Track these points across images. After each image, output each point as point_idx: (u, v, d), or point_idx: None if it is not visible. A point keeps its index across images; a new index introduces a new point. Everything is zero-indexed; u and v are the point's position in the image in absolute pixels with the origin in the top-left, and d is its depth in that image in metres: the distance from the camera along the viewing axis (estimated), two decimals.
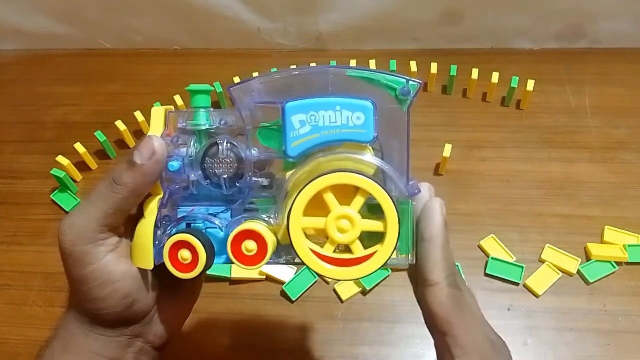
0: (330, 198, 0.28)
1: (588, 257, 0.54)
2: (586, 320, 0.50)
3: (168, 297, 0.34)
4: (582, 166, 0.62)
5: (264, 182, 0.30)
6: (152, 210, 0.31)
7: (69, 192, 0.63)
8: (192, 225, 0.31)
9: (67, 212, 0.61)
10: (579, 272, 0.53)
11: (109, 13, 0.77)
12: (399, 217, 0.27)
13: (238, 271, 0.54)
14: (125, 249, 0.32)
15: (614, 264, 0.53)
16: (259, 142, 0.30)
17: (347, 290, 0.53)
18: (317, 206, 0.28)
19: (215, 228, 0.31)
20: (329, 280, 0.54)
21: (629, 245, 0.54)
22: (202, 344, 0.51)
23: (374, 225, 0.28)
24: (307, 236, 0.29)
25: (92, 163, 0.66)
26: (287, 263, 0.31)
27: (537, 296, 0.52)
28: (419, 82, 0.28)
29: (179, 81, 0.74)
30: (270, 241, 0.29)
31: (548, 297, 0.52)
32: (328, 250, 0.28)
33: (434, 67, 0.70)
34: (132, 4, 0.76)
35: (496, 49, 0.77)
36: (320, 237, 0.29)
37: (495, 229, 0.56)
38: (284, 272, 0.54)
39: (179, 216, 0.31)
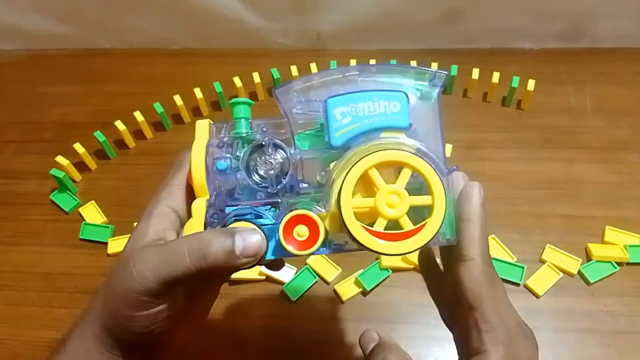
0: (376, 176, 0.29)
1: (589, 257, 0.54)
2: (587, 321, 0.50)
3: (180, 321, 0.34)
4: (582, 166, 0.62)
5: (305, 184, 0.32)
6: (199, 210, 0.31)
7: (68, 192, 0.62)
8: (241, 219, 0.31)
9: (66, 212, 0.61)
10: (579, 272, 0.53)
11: (109, 13, 0.77)
12: (444, 188, 0.29)
13: (238, 271, 0.54)
14: (178, 296, 0.31)
15: (615, 264, 0.53)
16: (298, 147, 0.32)
17: (347, 291, 0.53)
18: (363, 190, 0.30)
19: (265, 222, 0.31)
20: (328, 278, 0.54)
21: (629, 246, 0.54)
22: (202, 344, 0.50)
23: (422, 199, 0.29)
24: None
25: (92, 163, 0.66)
26: (337, 251, 0.31)
27: (537, 296, 0.52)
28: (445, 73, 0.31)
29: (178, 81, 0.74)
30: (321, 225, 0.30)
31: (548, 297, 0.52)
32: (379, 227, 0.29)
33: (434, 67, 0.69)
34: (132, 3, 0.76)
35: (497, 49, 0.77)
36: (367, 220, 0.30)
37: (496, 229, 0.56)
38: (284, 273, 0.54)
39: (227, 212, 0.32)
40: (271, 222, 0.31)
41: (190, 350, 0.36)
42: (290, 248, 0.30)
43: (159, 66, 0.79)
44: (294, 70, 0.70)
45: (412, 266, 0.54)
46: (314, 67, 0.71)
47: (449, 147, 0.59)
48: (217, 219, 0.31)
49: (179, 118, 0.70)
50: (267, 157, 0.32)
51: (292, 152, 0.31)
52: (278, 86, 0.31)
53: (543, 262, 0.54)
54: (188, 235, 0.30)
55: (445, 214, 0.29)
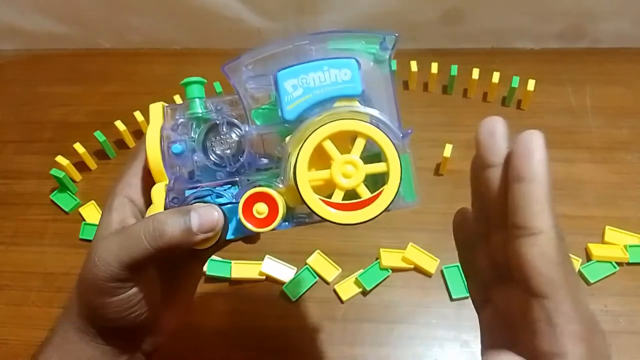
0: (331, 147, 0.29)
1: (589, 257, 0.54)
2: None
3: (165, 306, 0.34)
4: (582, 166, 0.62)
5: (264, 160, 0.31)
6: (159, 195, 0.31)
7: (68, 192, 0.62)
8: (201, 200, 0.31)
9: (66, 212, 0.61)
10: (579, 272, 0.53)
11: (108, 13, 0.77)
12: (399, 154, 0.29)
13: (238, 271, 0.54)
14: (148, 279, 0.32)
15: (615, 264, 0.53)
16: (254, 122, 0.31)
17: (347, 291, 0.53)
18: (319, 162, 0.29)
19: (225, 202, 0.31)
20: (328, 279, 0.53)
21: (629, 246, 0.54)
22: (202, 343, 0.50)
23: (377, 167, 0.29)
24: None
25: (92, 163, 0.66)
26: (297, 224, 0.31)
27: None
28: (395, 35, 0.31)
29: (178, 81, 0.73)
30: (280, 201, 0.30)
31: None
32: (337, 198, 0.29)
33: (434, 67, 0.69)
34: (132, 3, 0.76)
35: (497, 49, 0.77)
36: (324, 192, 0.30)
37: None
38: (284, 272, 0.54)
39: (187, 194, 0.32)
40: (231, 201, 0.31)
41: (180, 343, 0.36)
42: (250, 226, 0.30)
43: (159, 66, 0.79)
44: None
45: (412, 266, 0.54)
46: None
47: (449, 147, 0.59)
48: (176, 203, 0.31)
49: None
50: (222, 136, 0.31)
51: (247, 129, 0.31)
52: (227, 62, 0.31)
53: None
54: (145, 218, 0.30)
55: (400, 179, 0.29)
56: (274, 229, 0.30)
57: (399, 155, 0.29)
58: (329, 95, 0.30)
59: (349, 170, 0.29)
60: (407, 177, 0.30)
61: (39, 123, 0.72)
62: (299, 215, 0.31)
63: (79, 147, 0.64)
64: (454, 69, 0.69)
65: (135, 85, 0.76)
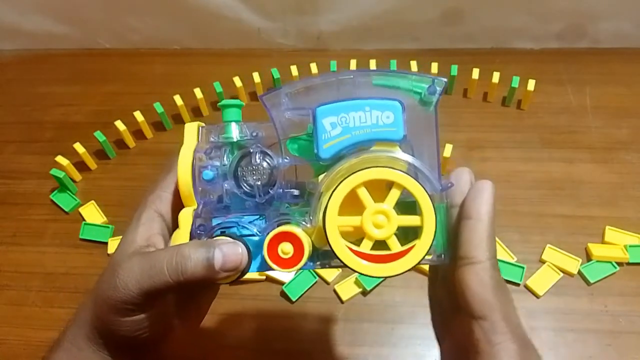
0: (364, 194, 0.28)
1: (589, 258, 0.54)
2: (587, 321, 0.50)
3: (176, 322, 0.34)
4: (582, 166, 0.62)
5: (295, 192, 0.30)
6: (186, 220, 0.31)
7: (68, 192, 0.62)
8: (227, 232, 0.31)
9: (66, 212, 0.61)
10: (579, 272, 0.53)
11: (108, 13, 0.77)
12: (435, 209, 0.28)
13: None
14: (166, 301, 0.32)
15: (615, 264, 0.53)
16: (289, 152, 0.30)
17: (347, 291, 0.53)
18: (350, 206, 0.28)
19: (250, 235, 0.31)
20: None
21: (629, 246, 0.54)
22: (202, 343, 0.50)
23: (411, 220, 0.28)
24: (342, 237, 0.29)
25: (92, 163, 0.66)
26: (323, 267, 0.31)
27: (537, 296, 0.52)
28: (444, 81, 0.29)
29: (178, 81, 0.74)
30: (307, 243, 0.29)
31: (548, 297, 0.52)
32: (365, 247, 0.28)
33: (434, 67, 0.69)
34: (132, 3, 0.76)
35: (497, 49, 0.77)
36: (353, 239, 0.29)
37: (496, 229, 0.56)
38: (284, 273, 0.54)
39: (213, 224, 0.31)
40: (257, 236, 0.31)
41: (188, 353, 0.36)
42: (275, 266, 0.29)
43: (159, 66, 0.79)
44: (294, 70, 0.70)
45: None
46: (314, 67, 0.71)
47: (449, 147, 0.59)
48: (202, 231, 0.31)
49: (179, 118, 0.70)
50: (255, 165, 0.30)
51: (279, 161, 0.30)
52: (266, 92, 0.29)
53: (543, 262, 0.54)
54: (170, 247, 0.30)
55: (434, 236, 0.28)
56: (297, 270, 0.29)
57: (434, 209, 0.28)
58: (368, 137, 0.28)
59: (381, 221, 0.28)
60: (441, 229, 0.29)
61: (39, 123, 0.72)
62: (324, 259, 0.30)
63: (79, 147, 0.64)
64: (454, 69, 0.69)
65: (135, 85, 0.76)
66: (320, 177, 0.29)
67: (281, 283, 0.53)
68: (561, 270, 0.53)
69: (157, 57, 0.80)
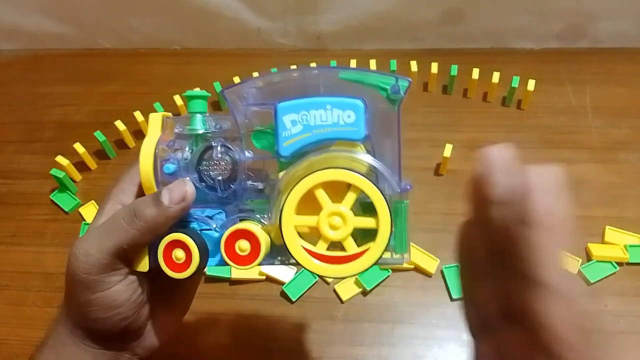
0: (321, 195, 0.28)
1: (589, 257, 0.54)
2: None
3: (160, 310, 0.35)
4: (582, 166, 0.62)
5: (259, 185, 0.30)
6: None
7: (68, 192, 0.62)
8: (187, 226, 0.31)
9: (66, 212, 0.61)
10: (579, 272, 0.53)
11: (108, 13, 0.77)
12: (390, 213, 0.27)
13: (238, 271, 0.54)
14: (133, 277, 0.32)
15: (615, 264, 0.53)
16: (253, 145, 0.30)
17: (347, 291, 0.53)
18: (309, 205, 0.28)
19: (210, 229, 0.31)
20: (327, 278, 0.53)
21: (629, 246, 0.54)
22: (202, 344, 0.50)
23: (366, 222, 0.28)
24: (300, 236, 0.29)
25: (92, 163, 0.66)
26: (281, 263, 0.31)
27: None
28: (408, 80, 0.28)
29: (178, 81, 0.74)
30: (264, 240, 0.29)
31: None
32: (321, 248, 0.28)
33: (434, 67, 0.69)
34: (132, 3, 0.76)
35: (497, 49, 0.77)
36: (312, 236, 0.29)
37: None
38: (283, 273, 0.54)
39: None
40: (217, 232, 0.31)
41: (185, 352, 0.36)
42: (232, 263, 0.29)
43: (158, 66, 0.79)
44: None
45: (412, 266, 0.54)
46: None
47: (449, 147, 0.59)
48: None
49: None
50: (216, 160, 0.30)
51: (241, 156, 0.30)
52: (227, 86, 0.29)
53: None
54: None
55: (389, 239, 0.27)
56: (253, 267, 0.29)
57: (390, 212, 0.27)
58: (328, 136, 0.28)
59: (337, 222, 0.28)
60: (401, 228, 0.29)
61: (39, 123, 0.72)
62: (285, 253, 0.30)
63: (79, 147, 0.64)
64: (454, 69, 0.69)
65: (135, 85, 0.76)
66: (281, 174, 0.29)
67: (281, 283, 0.53)
68: None
69: (157, 57, 0.80)
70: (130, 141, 0.68)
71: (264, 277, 0.54)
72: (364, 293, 0.53)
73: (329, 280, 0.54)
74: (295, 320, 0.52)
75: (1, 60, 0.82)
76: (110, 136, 0.66)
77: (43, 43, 0.82)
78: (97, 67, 0.79)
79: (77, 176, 0.65)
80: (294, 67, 0.27)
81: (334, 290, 0.53)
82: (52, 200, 0.62)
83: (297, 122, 0.28)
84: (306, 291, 0.53)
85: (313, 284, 0.53)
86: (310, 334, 0.51)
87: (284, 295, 0.53)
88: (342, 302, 0.52)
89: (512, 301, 0.23)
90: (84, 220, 0.60)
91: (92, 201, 0.61)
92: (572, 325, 0.21)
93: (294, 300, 0.52)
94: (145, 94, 0.72)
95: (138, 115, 0.66)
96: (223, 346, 0.51)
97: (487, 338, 0.27)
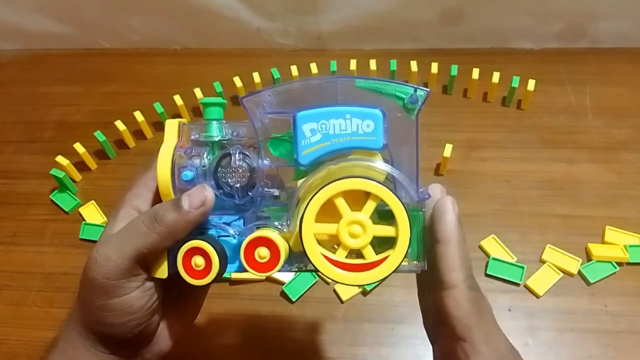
0: (341, 204, 0.28)
1: (589, 257, 0.54)
2: (587, 321, 0.50)
3: (171, 316, 0.35)
4: (582, 166, 0.62)
5: (275, 192, 0.31)
6: None
7: (68, 192, 0.62)
8: (205, 233, 0.31)
9: (66, 212, 0.61)
10: (579, 272, 0.53)
11: (108, 13, 0.77)
12: (410, 221, 0.28)
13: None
14: (151, 283, 0.32)
15: (615, 264, 0.53)
16: (270, 152, 0.30)
17: (347, 291, 0.53)
18: (328, 213, 0.28)
19: (228, 236, 0.31)
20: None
21: (629, 246, 0.54)
22: (202, 343, 0.50)
23: (385, 230, 0.28)
24: (319, 243, 0.29)
25: (92, 163, 0.66)
26: (299, 270, 0.31)
27: (537, 296, 0.52)
28: (427, 90, 0.29)
29: (178, 81, 0.74)
30: (283, 248, 0.29)
31: (549, 297, 0.52)
32: (340, 256, 0.28)
33: (434, 67, 0.69)
34: (132, 3, 0.76)
35: (497, 49, 0.77)
36: (331, 244, 0.29)
37: (496, 229, 0.56)
38: (284, 273, 0.54)
39: None
40: (234, 238, 0.31)
41: (187, 352, 0.36)
42: (252, 270, 0.29)
43: (158, 66, 0.79)
44: (294, 70, 0.70)
45: None
46: (314, 67, 0.71)
47: (449, 147, 0.59)
48: None
49: (179, 118, 0.70)
50: (234, 167, 0.30)
51: (259, 164, 0.30)
52: (247, 94, 0.29)
53: (543, 262, 0.54)
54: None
55: (408, 247, 0.28)
56: (273, 273, 0.30)
57: (410, 220, 0.28)
58: (347, 145, 0.28)
59: (356, 230, 0.28)
60: (417, 237, 0.29)
61: (39, 123, 0.72)
62: (302, 259, 0.30)
63: (79, 147, 0.64)
64: (454, 69, 0.69)
65: (135, 85, 0.76)
66: (299, 182, 0.29)
67: (281, 283, 0.53)
68: (561, 270, 0.53)
69: (157, 57, 0.80)
70: (130, 141, 0.68)
71: (264, 277, 0.54)
72: (364, 293, 0.53)
73: (329, 280, 0.54)
74: (295, 321, 0.52)
75: (1, 60, 0.82)
76: (110, 136, 0.66)
77: (43, 43, 0.82)
78: (97, 67, 0.79)
79: (77, 176, 0.65)
80: (305, 77, 0.28)
81: (334, 290, 0.53)
82: (52, 200, 0.62)
83: (316, 131, 0.28)
84: (306, 291, 0.53)
85: (313, 284, 0.53)
86: (310, 334, 0.51)
87: (284, 295, 0.53)
88: (342, 302, 0.53)
89: (438, 306, 0.28)
90: (84, 220, 0.60)
91: (92, 201, 0.61)
92: (464, 310, 0.27)
93: (294, 300, 0.52)
94: (145, 94, 0.72)
95: (138, 115, 0.66)
96: (223, 346, 0.51)
97: (437, 342, 0.32)
